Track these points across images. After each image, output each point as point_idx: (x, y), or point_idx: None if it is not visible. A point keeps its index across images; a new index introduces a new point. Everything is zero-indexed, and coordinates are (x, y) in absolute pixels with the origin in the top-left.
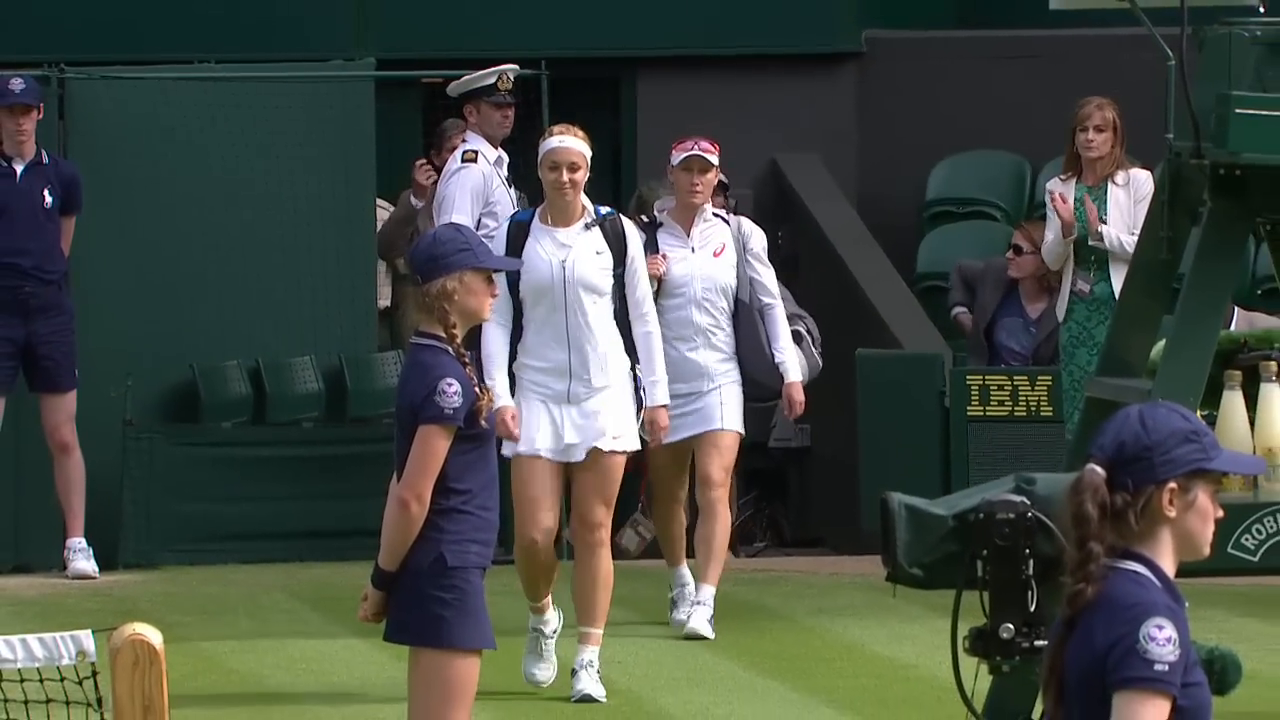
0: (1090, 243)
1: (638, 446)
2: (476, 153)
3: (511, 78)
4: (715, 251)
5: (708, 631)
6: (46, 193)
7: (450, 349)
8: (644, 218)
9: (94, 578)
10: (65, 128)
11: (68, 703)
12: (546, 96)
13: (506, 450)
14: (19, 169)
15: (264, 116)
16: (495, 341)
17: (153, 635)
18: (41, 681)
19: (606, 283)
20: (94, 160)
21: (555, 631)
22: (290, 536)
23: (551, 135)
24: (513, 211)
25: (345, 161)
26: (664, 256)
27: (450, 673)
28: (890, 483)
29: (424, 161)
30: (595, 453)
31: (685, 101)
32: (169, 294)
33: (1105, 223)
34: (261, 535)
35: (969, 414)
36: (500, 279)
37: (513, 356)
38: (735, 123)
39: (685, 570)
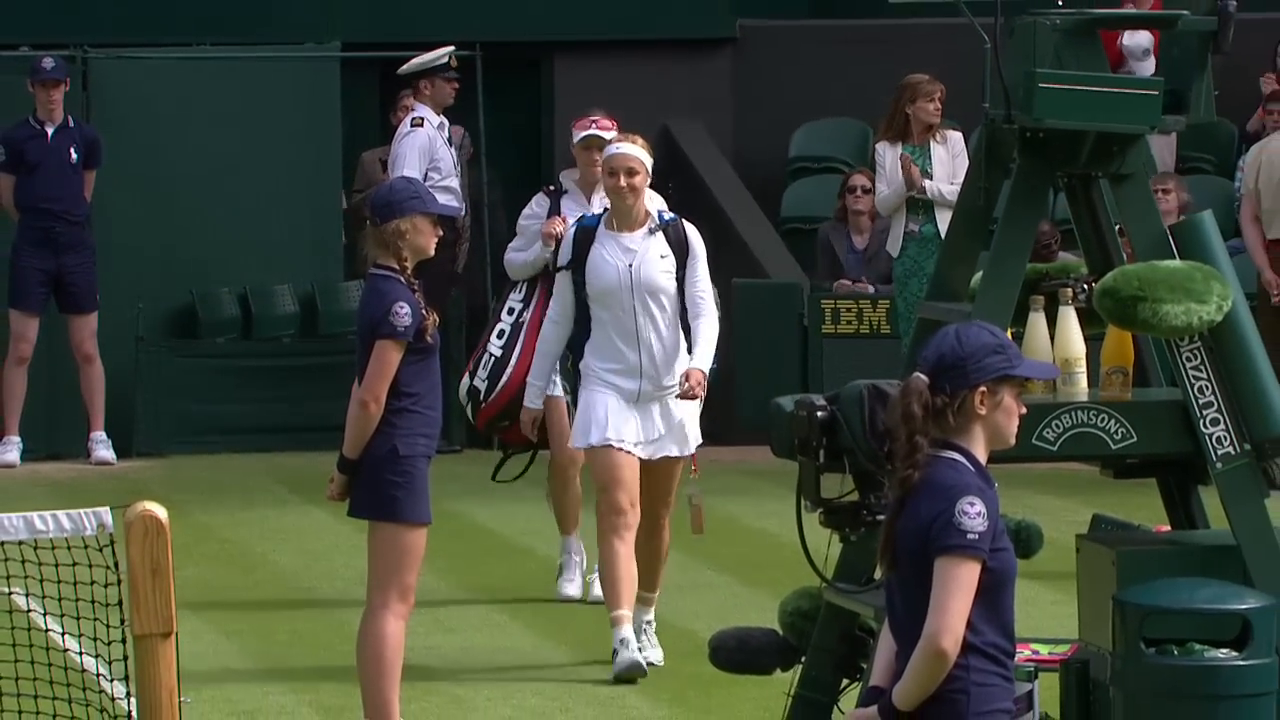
0: (913, 195)
1: (699, 444)
2: (423, 119)
3: (454, 57)
4: None
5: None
6: (72, 151)
7: (402, 278)
8: (550, 186)
9: (112, 464)
10: (88, 98)
11: (90, 566)
12: (480, 74)
13: (578, 441)
14: (50, 131)
15: (250, 89)
16: (551, 342)
17: (160, 511)
18: (69, 549)
19: (671, 285)
20: (111, 124)
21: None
22: (272, 431)
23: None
24: (453, 167)
25: (316, 126)
26: (564, 218)
27: (402, 541)
28: (760, 388)
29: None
30: (664, 459)
31: (593, 78)
32: (173, 233)
33: (930, 176)
34: (249, 430)
35: (823, 331)
36: (566, 284)
37: (578, 355)
38: (633, 95)
39: (574, 539)
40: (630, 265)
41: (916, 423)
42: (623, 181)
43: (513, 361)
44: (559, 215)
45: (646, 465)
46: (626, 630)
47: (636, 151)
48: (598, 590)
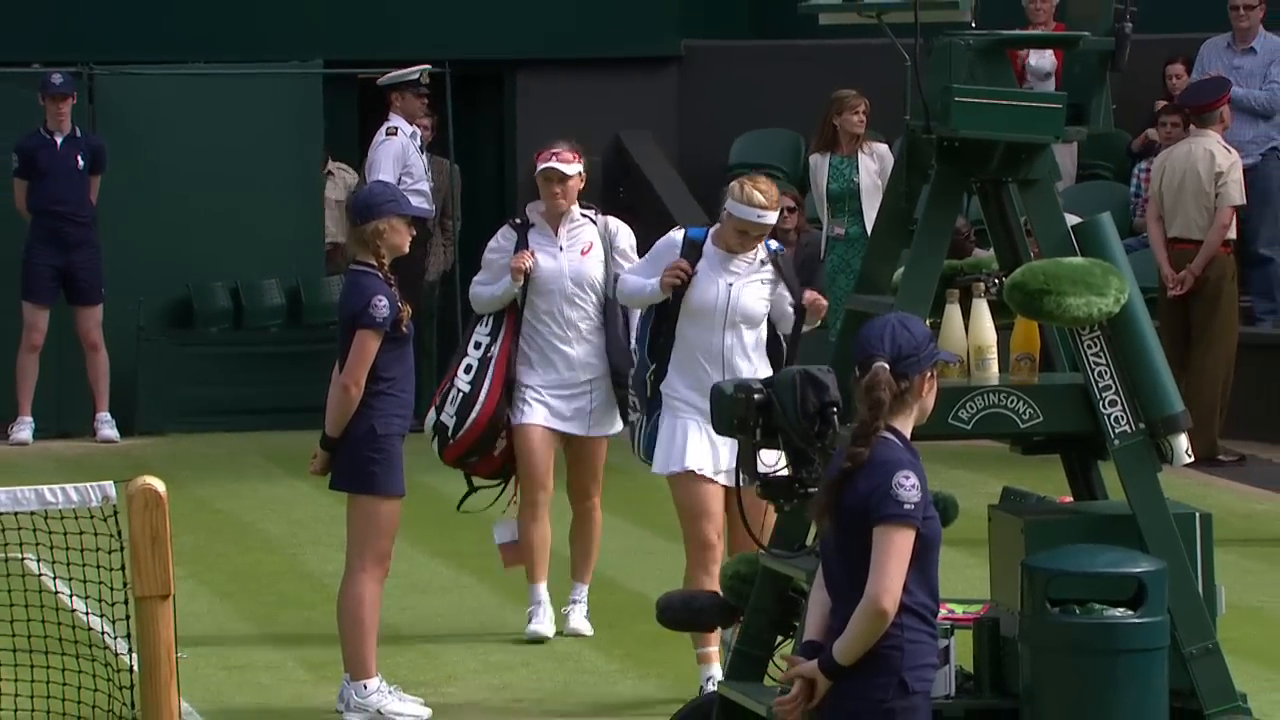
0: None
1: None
2: (397, 129)
3: (426, 74)
4: (583, 249)
5: (587, 629)
6: (79, 158)
7: (380, 274)
8: (517, 219)
9: (116, 442)
10: (93, 110)
11: (96, 534)
12: (450, 88)
13: (659, 468)
14: (59, 140)
15: (240, 102)
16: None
17: (159, 485)
18: (76, 519)
19: (764, 311)
20: (115, 134)
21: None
22: (261, 412)
23: (753, 204)
24: (424, 172)
25: (300, 135)
26: (531, 252)
27: (378, 512)
28: None
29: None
30: None
31: (552, 92)
32: (171, 233)
33: (859, 183)
34: (240, 411)
35: None
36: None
37: (661, 374)
38: (589, 108)
39: (542, 588)
40: (731, 284)
41: (884, 409)
42: (753, 241)
43: (481, 397)
44: (527, 250)
45: (732, 491)
46: (716, 669)
47: (774, 218)
48: (573, 623)
